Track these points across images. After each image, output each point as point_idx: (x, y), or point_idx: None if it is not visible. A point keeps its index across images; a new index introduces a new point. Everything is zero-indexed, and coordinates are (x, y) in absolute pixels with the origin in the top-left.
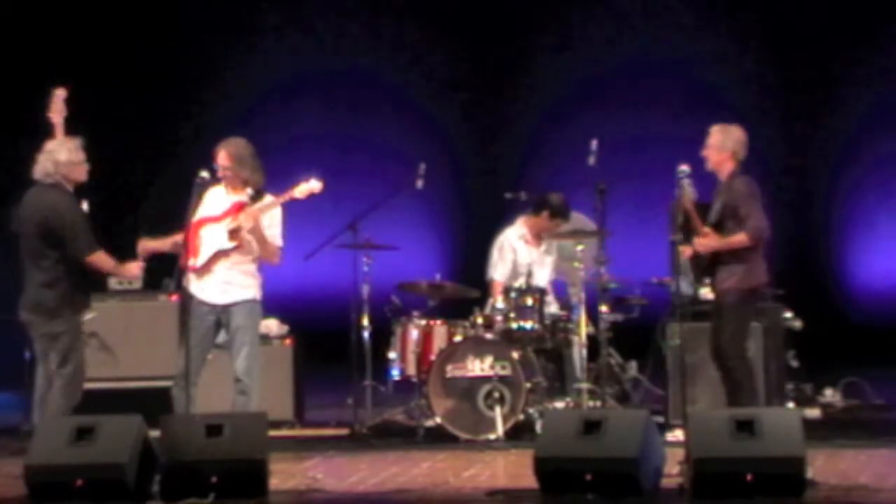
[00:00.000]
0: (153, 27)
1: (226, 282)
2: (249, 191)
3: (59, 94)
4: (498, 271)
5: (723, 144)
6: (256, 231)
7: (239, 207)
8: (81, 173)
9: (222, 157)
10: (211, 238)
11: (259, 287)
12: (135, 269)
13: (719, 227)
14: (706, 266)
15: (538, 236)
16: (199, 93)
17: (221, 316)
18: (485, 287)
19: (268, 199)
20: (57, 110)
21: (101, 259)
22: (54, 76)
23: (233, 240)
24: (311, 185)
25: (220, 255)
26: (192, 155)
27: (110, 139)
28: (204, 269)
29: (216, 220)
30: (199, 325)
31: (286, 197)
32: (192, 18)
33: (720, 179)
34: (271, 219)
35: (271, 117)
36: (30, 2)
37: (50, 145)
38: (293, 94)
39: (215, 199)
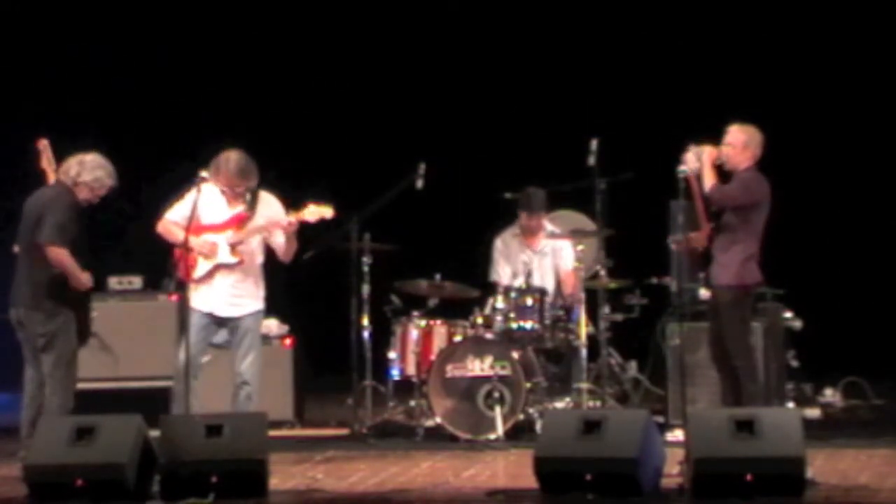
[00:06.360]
0: (155, 29)
1: (235, 296)
2: (247, 200)
3: (44, 144)
4: (497, 272)
5: (746, 145)
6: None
7: (239, 220)
8: (98, 198)
9: (226, 177)
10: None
11: (263, 294)
12: (86, 279)
13: (719, 217)
14: (698, 259)
15: (533, 236)
16: (194, 94)
17: (226, 319)
18: (486, 288)
19: (269, 199)
20: (46, 159)
21: (59, 253)
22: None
23: (234, 255)
24: (322, 211)
25: (223, 268)
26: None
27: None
28: (208, 282)
29: (217, 229)
30: (198, 323)
31: (296, 218)
32: (198, 23)
33: (733, 173)
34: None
35: (269, 117)
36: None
37: (94, 161)
38: (292, 93)
39: (215, 206)
